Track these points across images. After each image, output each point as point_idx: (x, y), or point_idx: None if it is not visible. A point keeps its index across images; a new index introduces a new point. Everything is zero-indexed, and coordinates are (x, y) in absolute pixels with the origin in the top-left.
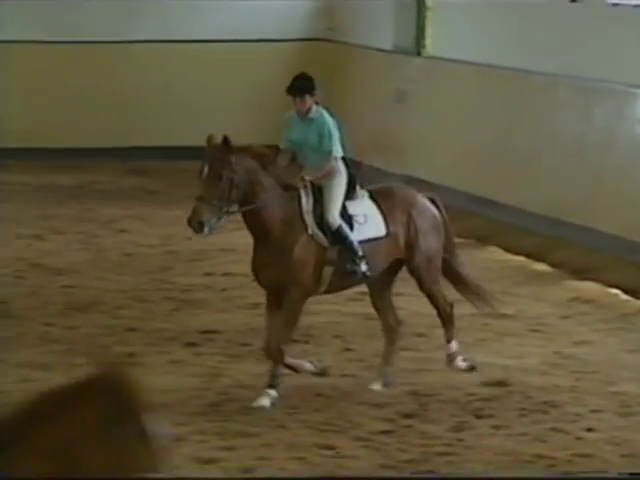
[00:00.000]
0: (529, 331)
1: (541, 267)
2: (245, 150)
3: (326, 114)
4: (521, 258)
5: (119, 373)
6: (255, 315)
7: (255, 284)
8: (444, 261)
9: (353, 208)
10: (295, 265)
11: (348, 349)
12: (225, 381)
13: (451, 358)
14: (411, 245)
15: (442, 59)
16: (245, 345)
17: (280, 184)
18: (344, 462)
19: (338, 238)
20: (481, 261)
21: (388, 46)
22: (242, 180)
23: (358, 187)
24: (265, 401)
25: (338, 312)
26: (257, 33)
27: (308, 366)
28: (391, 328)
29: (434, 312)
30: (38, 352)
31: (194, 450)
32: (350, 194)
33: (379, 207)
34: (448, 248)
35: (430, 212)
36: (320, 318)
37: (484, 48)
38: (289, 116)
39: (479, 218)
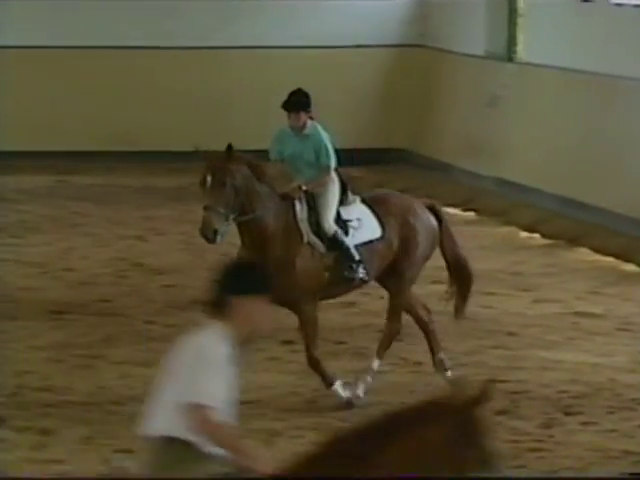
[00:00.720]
0: (618, 330)
1: (629, 267)
2: (240, 159)
3: (321, 129)
4: (610, 259)
5: (470, 398)
6: (350, 314)
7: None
8: (455, 265)
9: (346, 213)
10: (300, 276)
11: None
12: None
13: (372, 367)
14: (402, 251)
15: (533, 65)
16: (340, 343)
17: (275, 194)
18: None
19: (334, 244)
20: (570, 262)
21: (480, 52)
22: (242, 188)
23: (350, 193)
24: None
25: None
26: (353, 39)
27: (339, 384)
28: (424, 321)
29: (526, 311)
30: (139, 349)
31: (291, 445)
32: (343, 200)
33: (373, 211)
34: (453, 252)
35: (426, 220)
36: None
37: (574, 53)
38: (281, 130)
39: (568, 220)
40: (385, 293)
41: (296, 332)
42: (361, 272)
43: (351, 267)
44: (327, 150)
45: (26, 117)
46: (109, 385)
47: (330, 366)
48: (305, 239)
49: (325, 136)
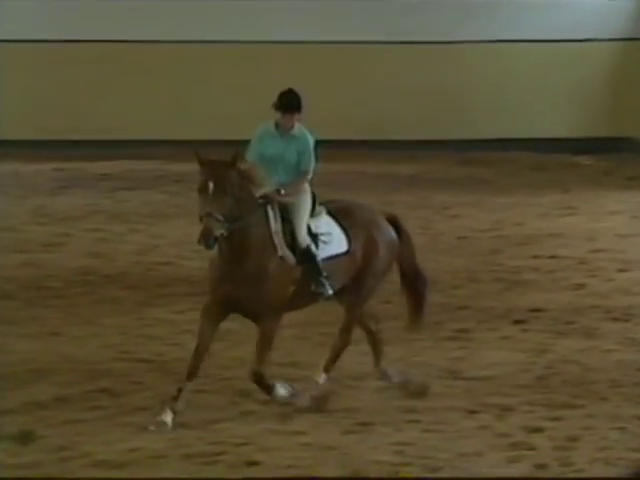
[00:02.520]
0: None
1: None
2: (232, 166)
3: (307, 133)
4: None
5: None
6: (579, 295)
7: (579, 266)
8: (406, 276)
9: (316, 226)
10: (271, 290)
11: None
12: (551, 356)
13: (318, 381)
14: (364, 265)
15: None
16: (570, 323)
17: (256, 202)
18: None
19: (305, 257)
20: None
21: None
22: (238, 196)
23: (317, 204)
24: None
25: None
26: (582, 33)
27: (282, 391)
28: (372, 331)
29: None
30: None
31: (523, 419)
32: (312, 211)
33: (339, 224)
34: (412, 264)
35: (389, 233)
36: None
37: None
38: (265, 130)
39: None
40: None
41: (527, 312)
42: (328, 287)
43: (320, 282)
44: (310, 155)
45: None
46: (349, 361)
47: (558, 345)
48: (280, 252)
49: (311, 140)
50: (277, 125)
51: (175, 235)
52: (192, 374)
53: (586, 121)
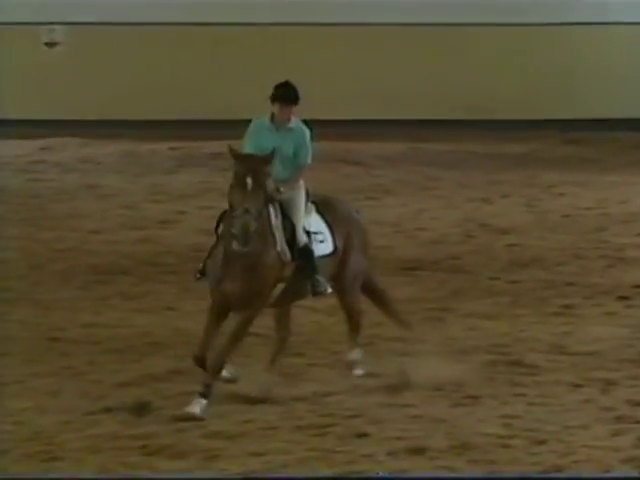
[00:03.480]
0: None
1: None
2: (269, 161)
3: (303, 125)
4: None
5: None
6: None
7: None
8: (367, 278)
9: (309, 224)
10: (262, 282)
11: None
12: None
13: (351, 365)
14: (344, 261)
15: None
16: None
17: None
18: None
19: (302, 255)
20: None
21: None
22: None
23: (309, 200)
24: (195, 408)
25: None
26: None
27: (225, 374)
28: (281, 338)
29: None
30: (484, 304)
31: (627, 393)
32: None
33: (326, 221)
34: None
35: (363, 229)
36: None
37: None
38: (259, 123)
39: None
40: None
41: (632, 289)
42: (327, 286)
43: (317, 280)
44: (307, 148)
45: (382, 87)
46: (457, 336)
47: None
48: (278, 248)
49: (308, 133)
50: (272, 118)
51: None
52: (202, 364)
53: None
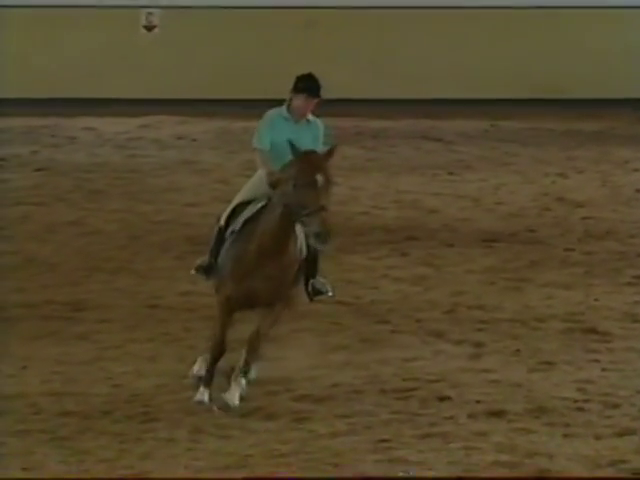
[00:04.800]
0: None
1: None
2: (331, 157)
3: (319, 119)
4: None
5: None
6: None
7: None
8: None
9: None
10: (290, 277)
11: None
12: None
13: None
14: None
15: None
16: None
17: None
18: None
19: (312, 255)
20: None
21: None
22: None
23: None
24: (235, 399)
25: None
26: None
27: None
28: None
29: None
30: (560, 274)
31: None
32: None
33: None
34: None
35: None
36: None
37: None
38: (276, 115)
39: None
40: None
41: None
42: (330, 288)
43: (321, 283)
44: (320, 143)
45: (464, 68)
46: (534, 305)
47: None
48: (299, 243)
49: (324, 127)
50: (289, 109)
51: (371, 187)
52: (217, 360)
53: None
